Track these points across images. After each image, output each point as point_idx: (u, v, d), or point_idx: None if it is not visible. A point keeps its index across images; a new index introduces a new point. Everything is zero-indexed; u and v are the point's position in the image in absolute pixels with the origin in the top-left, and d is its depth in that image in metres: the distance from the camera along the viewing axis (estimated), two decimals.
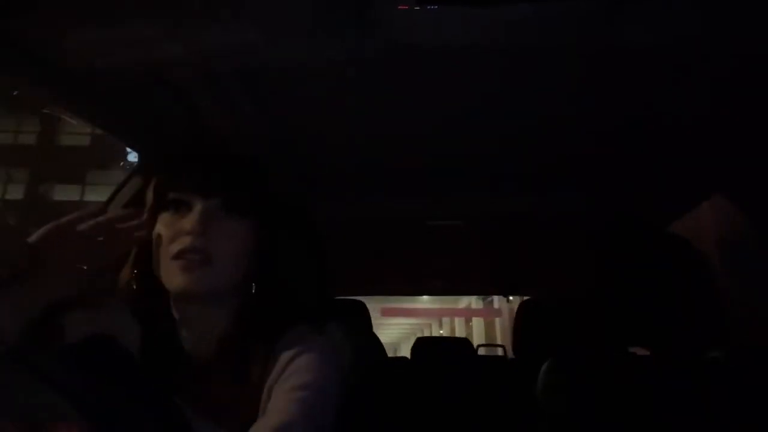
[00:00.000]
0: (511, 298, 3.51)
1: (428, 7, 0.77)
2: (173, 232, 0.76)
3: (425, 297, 8.65)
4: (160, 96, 1.02)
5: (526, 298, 2.73)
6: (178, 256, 0.74)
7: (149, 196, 0.81)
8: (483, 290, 3.79)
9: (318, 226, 0.97)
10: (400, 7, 0.77)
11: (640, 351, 1.20)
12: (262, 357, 0.75)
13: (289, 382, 0.71)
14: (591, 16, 0.80)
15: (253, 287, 0.80)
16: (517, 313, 2.55)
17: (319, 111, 1.13)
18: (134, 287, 0.79)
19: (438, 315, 11.37)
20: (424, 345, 3.28)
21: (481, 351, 3.77)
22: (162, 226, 0.77)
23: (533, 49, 0.88)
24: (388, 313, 11.36)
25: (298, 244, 0.87)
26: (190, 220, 0.75)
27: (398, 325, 15.61)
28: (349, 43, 0.86)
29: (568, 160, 1.45)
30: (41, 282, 0.66)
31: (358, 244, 2.28)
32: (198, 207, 0.76)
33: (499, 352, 4.89)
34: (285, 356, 0.74)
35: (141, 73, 0.96)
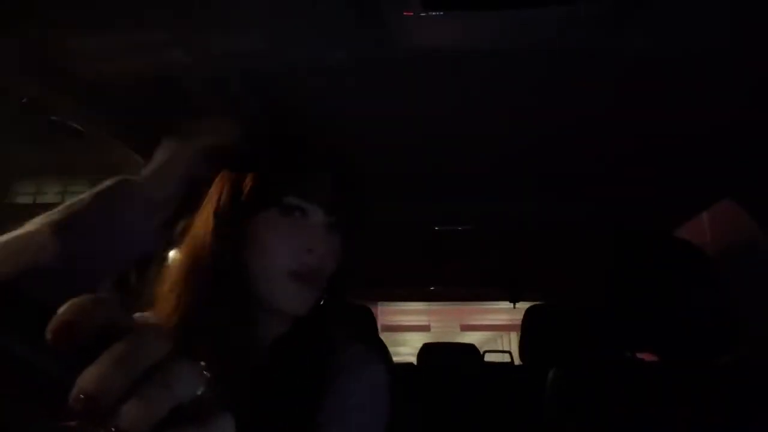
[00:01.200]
0: (516, 305, 3.49)
1: (433, 13, 0.77)
2: (288, 242, 0.71)
3: (501, 307, 8.41)
4: (166, 101, 1.03)
5: (531, 304, 2.72)
6: (298, 273, 0.69)
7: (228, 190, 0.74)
8: (490, 296, 3.78)
9: None
10: (405, 13, 0.77)
11: (648, 357, 1.19)
12: (316, 371, 0.71)
13: (350, 404, 0.69)
14: (598, 21, 0.79)
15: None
16: (523, 319, 2.54)
17: (324, 116, 1.13)
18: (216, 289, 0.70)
19: (508, 329, 11.52)
20: (430, 351, 3.27)
21: (488, 357, 3.75)
22: (271, 230, 0.71)
23: (539, 54, 0.88)
24: (466, 328, 11.52)
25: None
26: (315, 238, 0.71)
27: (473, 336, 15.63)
28: (355, 48, 0.87)
29: (575, 166, 1.44)
30: None
31: (362, 248, 2.28)
32: (323, 221, 0.72)
33: (506, 358, 4.87)
34: (346, 379, 0.71)
35: (146, 78, 0.96)
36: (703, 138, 1.24)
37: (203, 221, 0.74)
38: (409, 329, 11.07)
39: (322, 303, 0.76)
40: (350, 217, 0.77)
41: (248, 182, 0.73)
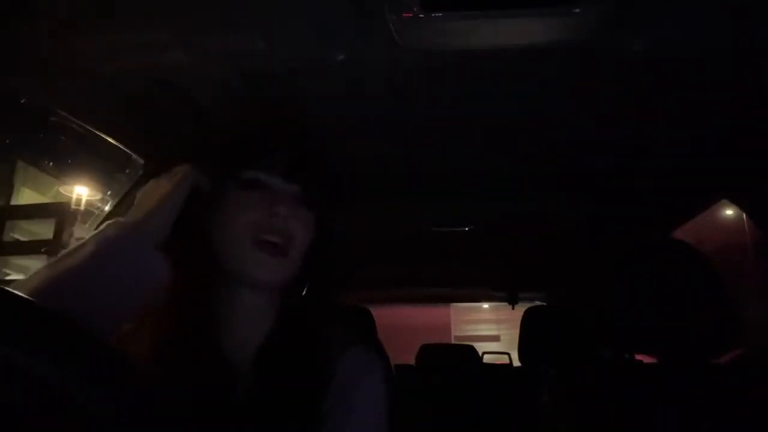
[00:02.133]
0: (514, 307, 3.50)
1: (433, 15, 0.78)
2: (249, 211, 0.71)
3: None
4: (165, 101, 1.03)
5: (530, 305, 2.72)
6: (263, 240, 0.69)
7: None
8: (489, 297, 3.78)
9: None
10: (404, 14, 0.77)
11: (646, 359, 1.19)
12: (312, 371, 0.70)
13: (350, 405, 0.69)
14: (597, 21, 0.80)
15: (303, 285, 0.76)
16: (522, 320, 2.54)
17: (322, 117, 1.13)
18: (179, 271, 0.70)
19: None
20: (429, 352, 3.26)
21: (487, 358, 3.74)
22: (233, 205, 0.72)
23: (537, 54, 0.88)
24: None
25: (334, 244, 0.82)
26: (275, 203, 0.71)
27: None
28: (355, 49, 0.87)
29: (574, 166, 1.44)
30: None
31: (359, 250, 2.28)
32: (284, 190, 0.73)
33: (505, 359, 4.87)
34: (344, 380, 0.70)
35: (146, 78, 0.97)
36: (703, 139, 1.24)
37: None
38: (480, 339, 10.78)
39: (306, 294, 0.76)
40: (314, 187, 0.76)
41: (207, 165, 0.75)
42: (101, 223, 1.29)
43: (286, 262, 0.71)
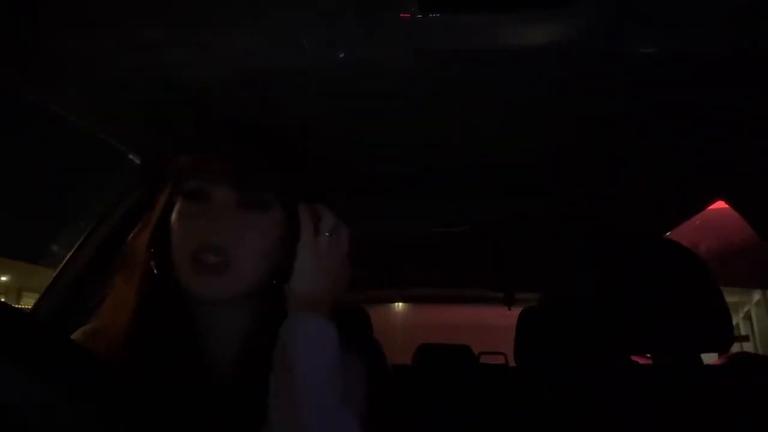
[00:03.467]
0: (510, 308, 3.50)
1: (430, 15, 0.78)
2: (189, 225, 0.70)
3: None
4: (163, 100, 1.03)
5: (527, 306, 2.72)
6: (199, 260, 0.67)
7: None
8: (487, 298, 3.78)
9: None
10: (402, 14, 0.78)
11: (643, 360, 1.20)
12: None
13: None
14: (594, 22, 0.80)
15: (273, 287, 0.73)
16: (518, 321, 2.54)
17: (321, 117, 1.14)
18: (150, 288, 0.72)
19: None
20: (425, 352, 3.26)
21: (483, 359, 3.74)
22: (177, 217, 0.71)
23: (536, 54, 0.89)
24: None
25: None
26: (212, 216, 0.69)
27: None
28: (353, 49, 0.87)
29: (571, 166, 1.45)
30: None
31: (358, 250, 2.27)
32: (225, 199, 0.70)
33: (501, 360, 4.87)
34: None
35: (144, 77, 0.97)
36: (697, 140, 1.25)
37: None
38: None
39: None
40: (268, 188, 0.72)
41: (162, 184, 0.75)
42: (98, 222, 1.30)
43: (229, 278, 0.68)
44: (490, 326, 3.87)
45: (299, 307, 0.67)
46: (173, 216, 0.72)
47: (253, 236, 0.71)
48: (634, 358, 1.30)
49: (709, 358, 1.26)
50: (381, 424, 0.81)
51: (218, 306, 0.72)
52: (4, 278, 10.27)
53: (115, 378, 0.33)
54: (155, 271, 0.73)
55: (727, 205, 1.52)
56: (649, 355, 1.18)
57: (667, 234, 1.89)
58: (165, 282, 0.71)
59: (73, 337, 0.73)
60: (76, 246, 1.29)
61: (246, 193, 0.72)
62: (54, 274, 1.28)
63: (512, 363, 2.78)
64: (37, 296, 1.26)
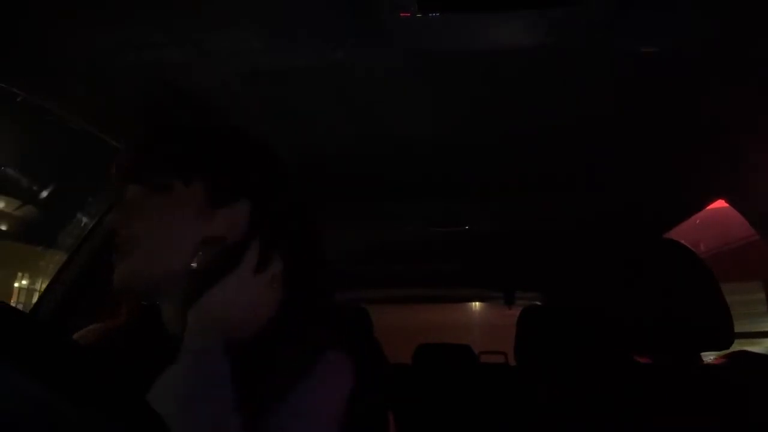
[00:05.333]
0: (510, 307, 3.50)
1: (430, 14, 0.78)
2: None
3: None
4: (166, 101, 1.03)
5: (527, 305, 2.72)
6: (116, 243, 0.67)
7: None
8: (486, 297, 3.79)
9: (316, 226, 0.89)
10: (402, 14, 0.78)
11: (643, 359, 1.19)
12: (284, 369, 0.67)
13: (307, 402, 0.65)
14: (593, 21, 0.80)
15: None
16: (518, 320, 2.54)
17: (320, 116, 1.14)
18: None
19: None
20: (425, 352, 3.27)
21: (483, 358, 3.75)
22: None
23: (534, 54, 0.89)
24: None
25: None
26: (122, 203, 0.70)
27: None
28: (353, 49, 0.87)
29: (570, 166, 1.45)
30: None
31: (356, 250, 2.28)
32: (133, 190, 0.70)
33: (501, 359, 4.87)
34: (309, 379, 0.67)
35: (144, 77, 0.97)
36: (699, 139, 1.25)
37: None
38: None
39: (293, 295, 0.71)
40: (167, 174, 0.69)
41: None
42: (98, 222, 1.30)
43: (131, 261, 0.66)
44: (490, 325, 3.87)
45: None
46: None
47: (150, 224, 0.68)
48: (634, 356, 1.30)
49: (709, 357, 1.26)
50: (381, 425, 0.81)
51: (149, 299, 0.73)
52: None
53: (117, 378, 0.32)
54: None
55: (727, 205, 1.52)
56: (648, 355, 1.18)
57: (667, 234, 1.89)
58: None
59: (74, 337, 0.73)
60: (76, 246, 1.30)
61: (155, 179, 0.69)
62: (54, 274, 1.28)
63: (512, 363, 2.79)
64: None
